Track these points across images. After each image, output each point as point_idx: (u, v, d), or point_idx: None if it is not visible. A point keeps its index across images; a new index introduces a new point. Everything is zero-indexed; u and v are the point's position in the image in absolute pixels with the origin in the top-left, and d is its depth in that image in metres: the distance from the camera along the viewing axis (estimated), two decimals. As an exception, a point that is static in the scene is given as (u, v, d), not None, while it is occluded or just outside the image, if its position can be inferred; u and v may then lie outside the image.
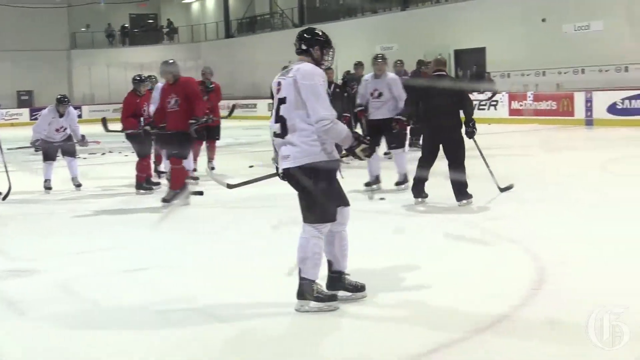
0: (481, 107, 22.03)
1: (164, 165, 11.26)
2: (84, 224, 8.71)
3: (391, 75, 10.60)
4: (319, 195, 4.90)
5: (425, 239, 7.17)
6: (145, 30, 47.05)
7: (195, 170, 11.54)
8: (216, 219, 8.65)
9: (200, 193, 10.04)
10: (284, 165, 4.97)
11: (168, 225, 8.33)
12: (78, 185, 11.42)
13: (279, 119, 4.96)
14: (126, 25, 45.86)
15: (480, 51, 27.32)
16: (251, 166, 13.19)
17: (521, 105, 22.05)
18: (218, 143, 13.18)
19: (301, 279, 4.94)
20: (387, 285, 5.40)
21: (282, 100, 4.96)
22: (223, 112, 13.83)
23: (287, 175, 4.99)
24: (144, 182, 10.96)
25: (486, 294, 5.13)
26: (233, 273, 6.03)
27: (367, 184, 10.15)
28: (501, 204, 8.59)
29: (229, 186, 6.23)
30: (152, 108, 10.85)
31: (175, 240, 7.51)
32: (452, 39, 27.40)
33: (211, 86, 12.72)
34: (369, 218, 7.95)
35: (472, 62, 27.08)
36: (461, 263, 6.09)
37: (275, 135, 5.01)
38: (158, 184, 11.22)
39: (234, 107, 12.71)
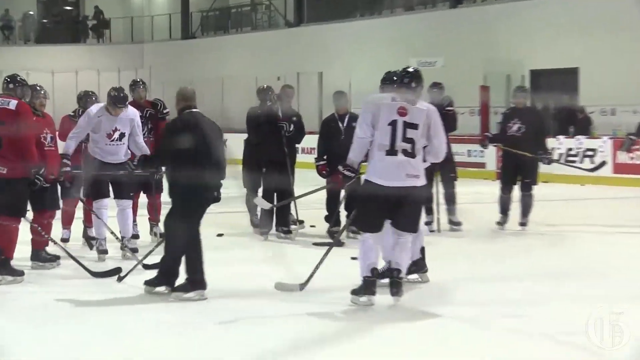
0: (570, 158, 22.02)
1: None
2: None
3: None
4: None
5: None
6: (59, 22, 46.90)
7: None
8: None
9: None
10: (413, 182, 8.25)
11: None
12: None
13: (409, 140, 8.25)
14: (31, 13, 45.56)
15: (571, 73, 27.11)
16: (220, 234, 13.09)
17: (632, 158, 21.77)
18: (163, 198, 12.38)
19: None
20: None
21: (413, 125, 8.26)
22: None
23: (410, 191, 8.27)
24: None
25: None
26: None
27: None
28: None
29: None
30: None
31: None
32: (527, 53, 27.39)
33: (165, 111, 12.65)
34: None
35: (558, 88, 26.79)
36: None
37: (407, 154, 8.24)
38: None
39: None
